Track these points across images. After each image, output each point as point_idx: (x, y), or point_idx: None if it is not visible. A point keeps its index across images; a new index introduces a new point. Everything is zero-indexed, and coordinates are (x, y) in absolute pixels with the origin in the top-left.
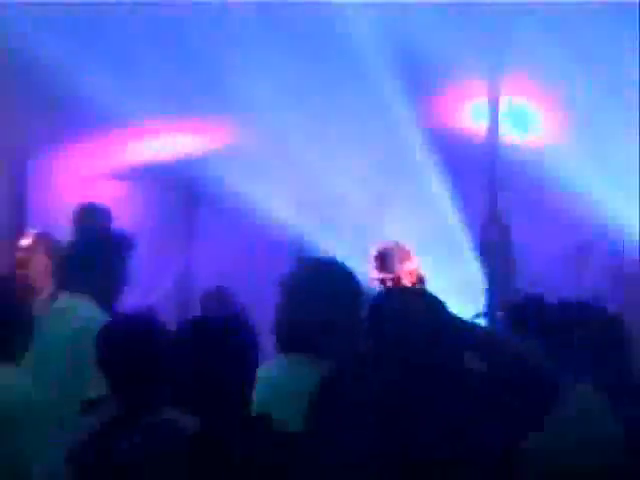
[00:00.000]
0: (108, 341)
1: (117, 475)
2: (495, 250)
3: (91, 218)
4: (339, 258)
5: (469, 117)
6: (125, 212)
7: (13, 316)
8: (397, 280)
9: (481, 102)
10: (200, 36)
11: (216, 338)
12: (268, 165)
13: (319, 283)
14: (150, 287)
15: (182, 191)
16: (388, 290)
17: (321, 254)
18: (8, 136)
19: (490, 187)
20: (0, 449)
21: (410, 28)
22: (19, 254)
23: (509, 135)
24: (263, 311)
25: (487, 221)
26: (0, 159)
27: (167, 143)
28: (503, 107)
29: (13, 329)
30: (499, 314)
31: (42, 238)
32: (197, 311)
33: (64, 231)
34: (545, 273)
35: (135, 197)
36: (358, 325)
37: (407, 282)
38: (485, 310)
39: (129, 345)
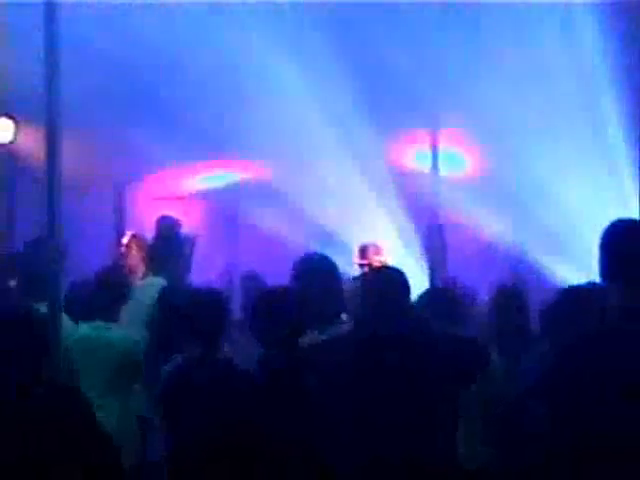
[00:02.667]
0: (192, 304)
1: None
2: (434, 247)
3: (167, 225)
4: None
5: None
6: (190, 222)
7: (116, 291)
8: (370, 265)
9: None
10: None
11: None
12: (282, 191)
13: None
14: (205, 273)
15: (227, 208)
16: None
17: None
18: (113, 170)
19: (432, 206)
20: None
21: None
22: (121, 249)
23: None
24: None
25: (430, 228)
26: (107, 187)
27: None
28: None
29: (116, 299)
30: None
31: (136, 238)
32: (238, 289)
33: (150, 233)
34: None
35: (197, 211)
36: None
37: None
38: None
39: (206, 309)
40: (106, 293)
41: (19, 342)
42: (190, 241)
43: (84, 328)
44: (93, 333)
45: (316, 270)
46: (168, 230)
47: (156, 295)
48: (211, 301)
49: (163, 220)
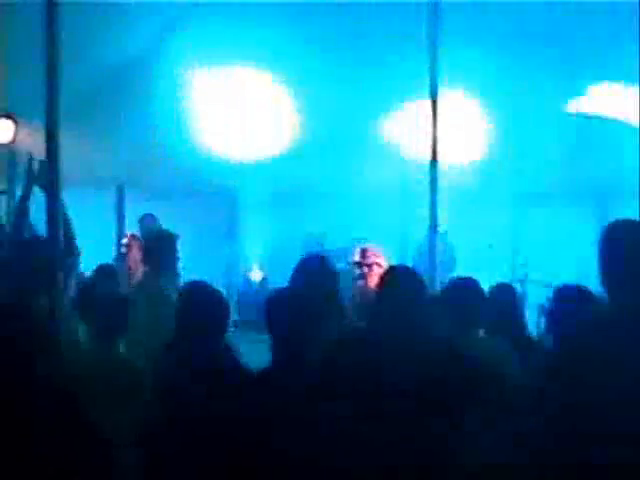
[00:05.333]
0: (191, 302)
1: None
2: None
3: (149, 224)
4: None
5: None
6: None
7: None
8: (369, 266)
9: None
10: None
11: None
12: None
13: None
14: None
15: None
16: None
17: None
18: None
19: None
20: None
21: None
22: (122, 250)
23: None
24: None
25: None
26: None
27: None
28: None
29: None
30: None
31: (135, 239)
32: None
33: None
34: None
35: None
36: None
37: (376, 269)
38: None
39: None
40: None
41: (17, 340)
42: (173, 239)
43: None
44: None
45: (315, 271)
46: (150, 229)
47: (150, 295)
48: (211, 300)
49: (145, 220)
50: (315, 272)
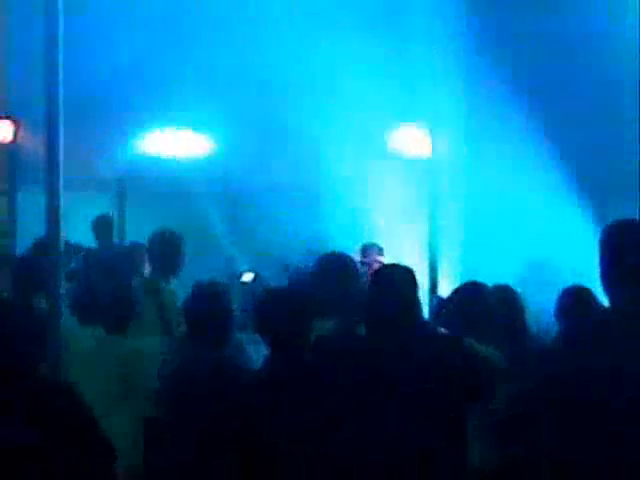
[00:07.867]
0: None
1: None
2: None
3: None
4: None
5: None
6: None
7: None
8: (370, 265)
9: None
10: None
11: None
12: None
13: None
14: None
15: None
16: None
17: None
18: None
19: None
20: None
21: None
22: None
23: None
24: None
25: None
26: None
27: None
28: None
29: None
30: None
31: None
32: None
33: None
34: None
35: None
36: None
37: (376, 266)
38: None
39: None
40: (116, 308)
41: (16, 337)
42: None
43: (87, 337)
44: (96, 345)
45: (334, 269)
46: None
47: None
48: (215, 300)
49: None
50: (333, 270)
